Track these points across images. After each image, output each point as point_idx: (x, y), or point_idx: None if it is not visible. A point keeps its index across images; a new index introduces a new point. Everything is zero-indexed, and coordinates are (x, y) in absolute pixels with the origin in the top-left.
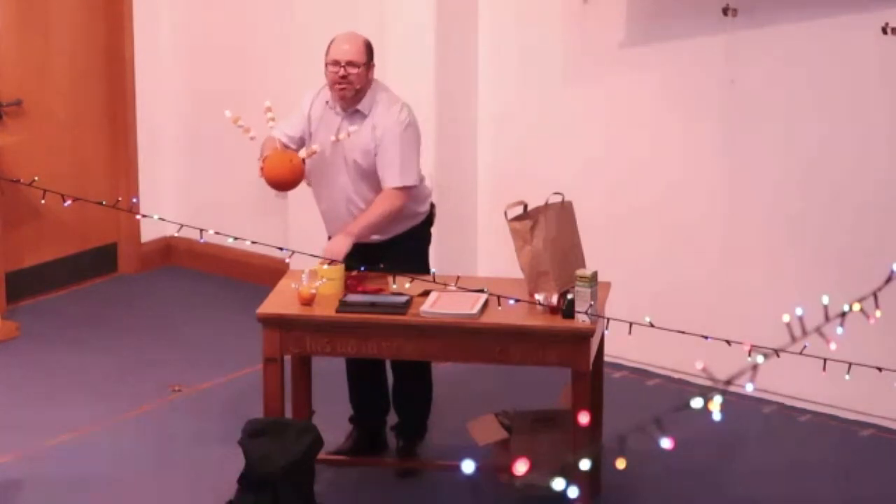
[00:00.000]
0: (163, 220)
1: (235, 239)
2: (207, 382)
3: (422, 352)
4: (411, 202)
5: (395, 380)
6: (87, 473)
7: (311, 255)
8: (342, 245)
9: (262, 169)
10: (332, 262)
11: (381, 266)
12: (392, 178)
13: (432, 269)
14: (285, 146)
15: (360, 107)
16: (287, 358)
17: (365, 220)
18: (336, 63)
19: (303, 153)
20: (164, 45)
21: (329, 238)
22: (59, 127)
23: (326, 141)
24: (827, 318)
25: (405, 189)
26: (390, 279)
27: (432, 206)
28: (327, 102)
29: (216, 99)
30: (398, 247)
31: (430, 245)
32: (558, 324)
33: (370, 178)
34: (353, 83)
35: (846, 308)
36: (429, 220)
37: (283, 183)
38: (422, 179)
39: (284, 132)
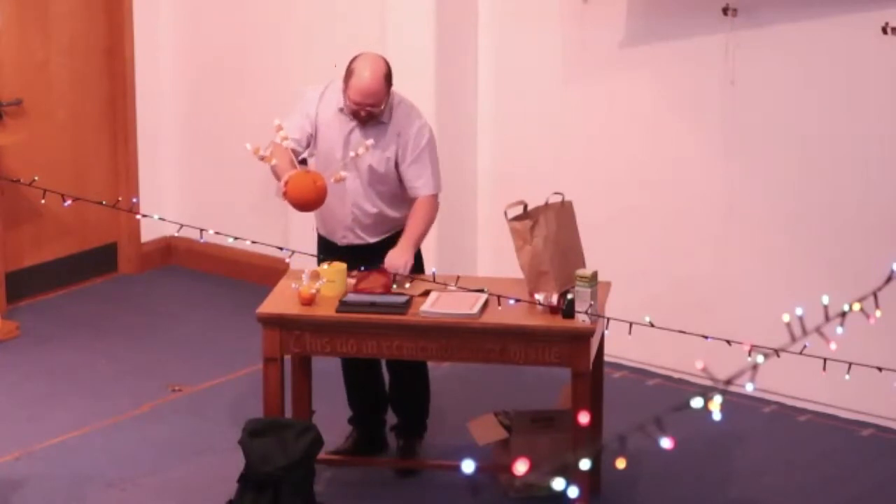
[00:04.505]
0: (163, 220)
1: (235, 239)
2: (207, 382)
3: (422, 352)
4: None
5: (391, 380)
6: (87, 473)
7: (313, 255)
8: (403, 258)
9: (284, 193)
10: (332, 262)
11: (382, 266)
12: (427, 186)
13: (432, 269)
14: (295, 152)
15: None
16: (287, 358)
17: (416, 231)
18: (358, 104)
19: (331, 178)
20: (164, 45)
21: (320, 238)
22: (59, 127)
23: (336, 142)
24: (827, 318)
25: (437, 194)
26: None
27: None
28: (341, 110)
29: (216, 99)
30: (393, 246)
31: (429, 243)
32: (558, 324)
33: (383, 183)
34: (374, 115)
35: (846, 308)
36: None
37: (307, 205)
38: None
39: (293, 137)
